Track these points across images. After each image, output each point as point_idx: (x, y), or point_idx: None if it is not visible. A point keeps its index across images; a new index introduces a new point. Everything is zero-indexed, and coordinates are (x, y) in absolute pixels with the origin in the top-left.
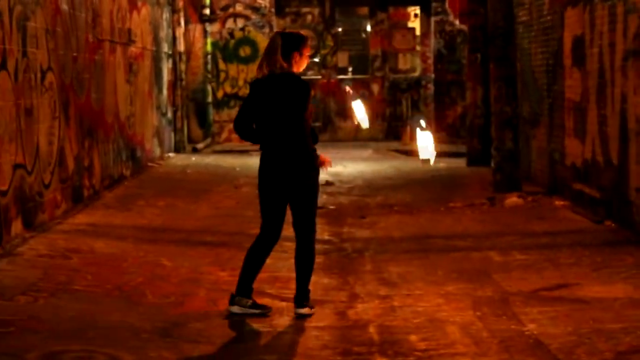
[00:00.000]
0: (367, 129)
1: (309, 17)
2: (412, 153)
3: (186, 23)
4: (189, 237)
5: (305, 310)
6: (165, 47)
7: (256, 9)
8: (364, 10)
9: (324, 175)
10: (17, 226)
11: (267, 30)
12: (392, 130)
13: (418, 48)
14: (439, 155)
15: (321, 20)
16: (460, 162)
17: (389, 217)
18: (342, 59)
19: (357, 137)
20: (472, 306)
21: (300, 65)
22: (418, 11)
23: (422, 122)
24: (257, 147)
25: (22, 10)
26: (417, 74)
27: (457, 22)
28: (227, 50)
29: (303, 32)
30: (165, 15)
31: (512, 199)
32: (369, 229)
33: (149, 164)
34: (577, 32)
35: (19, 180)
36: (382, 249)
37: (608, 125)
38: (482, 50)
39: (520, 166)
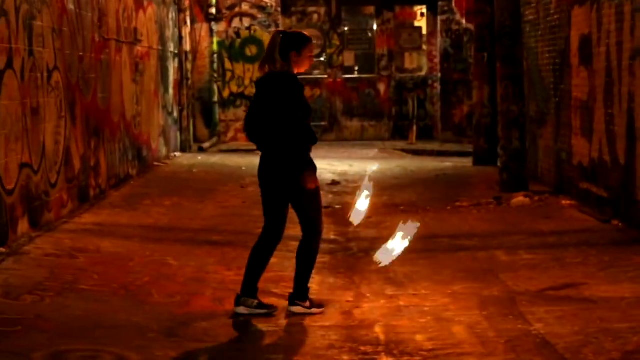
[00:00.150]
0: (373, 129)
1: (315, 17)
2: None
3: (192, 22)
4: (195, 237)
5: (297, 309)
6: (171, 47)
7: (262, 8)
8: (370, 9)
9: (330, 175)
10: (23, 225)
11: (273, 29)
12: (398, 129)
13: (424, 47)
14: (445, 154)
15: (327, 19)
16: (467, 162)
17: (394, 216)
18: (348, 58)
19: (363, 137)
20: (478, 306)
21: (300, 66)
22: (424, 10)
23: (367, 191)
24: None
25: (28, 9)
26: (423, 73)
27: (463, 21)
28: (233, 49)
29: (308, 31)
30: (172, 14)
31: (519, 199)
32: (375, 228)
33: (155, 163)
34: (584, 31)
35: (25, 179)
36: None
37: (615, 124)
38: (488, 49)
39: (527, 165)
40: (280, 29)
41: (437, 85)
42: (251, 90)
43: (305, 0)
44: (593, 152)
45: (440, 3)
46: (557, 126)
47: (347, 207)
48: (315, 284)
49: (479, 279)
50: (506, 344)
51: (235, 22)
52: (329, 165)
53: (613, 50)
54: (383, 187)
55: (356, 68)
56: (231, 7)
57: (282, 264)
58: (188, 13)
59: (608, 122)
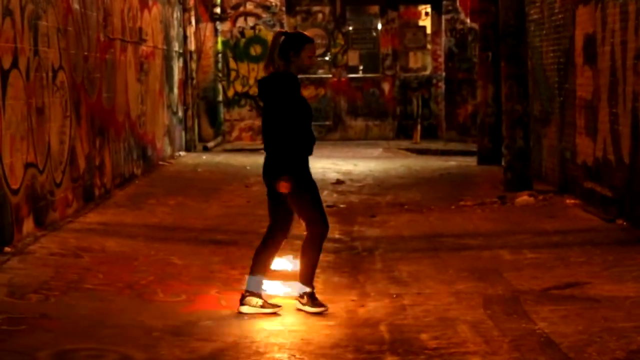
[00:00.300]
0: (377, 128)
1: (320, 16)
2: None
3: (197, 22)
4: (199, 236)
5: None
6: (176, 46)
7: (267, 8)
8: (375, 8)
9: (334, 174)
10: (28, 225)
11: (277, 29)
12: (402, 128)
13: (429, 46)
14: (449, 153)
15: (332, 18)
16: (471, 161)
17: (399, 215)
18: (352, 57)
19: (367, 136)
20: (482, 305)
21: (300, 66)
22: (429, 9)
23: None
24: None
25: (33, 9)
26: (427, 72)
27: (468, 20)
28: (237, 49)
29: (313, 30)
30: (176, 14)
31: (523, 198)
32: (379, 227)
33: (160, 162)
34: (588, 30)
35: (30, 179)
36: (393, 247)
37: (619, 123)
38: (493, 48)
39: (531, 165)
40: (285, 28)
41: (442, 85)
42: (255, 90)
43: (309, 0)
44: (597, 151)
45: (444, 2)
46: (561, 125)
47: (352, 206)
48: (319, 282)
49: (483, 278)
50: (510, 343)
51: (240, 22)
52: (333, 164)
53: (617, 49)
54: (387, 186)
55: (360, 67)
56: (236, 7)
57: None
58: (193, 12)
59: (612, 121)
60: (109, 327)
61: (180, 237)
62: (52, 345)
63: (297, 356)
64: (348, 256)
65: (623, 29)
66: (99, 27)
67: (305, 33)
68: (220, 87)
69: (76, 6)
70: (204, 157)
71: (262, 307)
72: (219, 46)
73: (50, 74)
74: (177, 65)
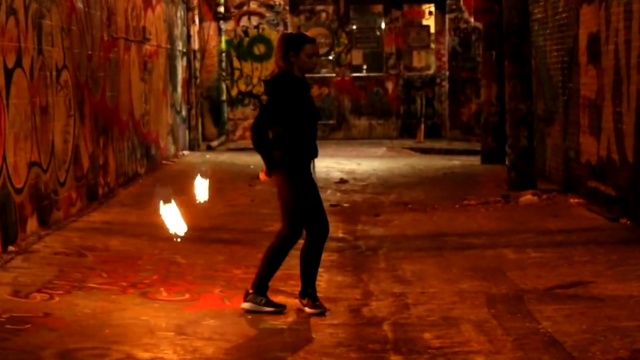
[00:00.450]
0: (381, 127)
1: (324, 15)
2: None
3: (201, 21)
4: (203, 235)
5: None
6: (179, 45)
7: (270, 7)
8: (379, 7)
9: (338, 173)
10: (32, 224)
11: (281, 28)
12: (406, 128)
13: (433, 46)
14: (453, 152)
15: (335, 17)
16: (475, 160)
17: (403, 214)
18: (356, 56)
19: (371, 135)
20: (486, 304)
21: (301, 66)
22: (433, 9)
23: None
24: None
25: (37, 8)
26: (431, 71)
27: (471, 19)
28: (241, 48)
29: (316, 29)
30: (180, 13)
31: (527, 197)
32: (382, 226)
33: (164, 161)
34: (592, 29)
35: (34, 178)
36: (396, 246)
37: (623, 122)
38: (497, 47)
39: (534, 164)
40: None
41: (445, 84)
42: (259, 89)
43: None
44: (601, 151)
45: (448, 1)
46: (565, 124)
47: (355, 205)
48: (323, 281)
49: (487, 277)
50: (514, 342)
51: (244, 21)
52: (337, 163)
53: (621, 48)
54: (391, 185)
55: (364, 66)
56: (239, 6)
57: (290, 263)
58: (196, 12)
59: (616, 120)
60: (112, 326)
61: (184, 236)
62: (56, 344)
63: (301, 355)
64: (351, 255)
65: (627, 27)
66: (103, 26)
67: (308, 33)
68: (224, 86)
69: (80, 5)
70: (208, 156)
71: (265, 305)
72: (223, 45)
73: (54, 73)
74: (180, 65)
